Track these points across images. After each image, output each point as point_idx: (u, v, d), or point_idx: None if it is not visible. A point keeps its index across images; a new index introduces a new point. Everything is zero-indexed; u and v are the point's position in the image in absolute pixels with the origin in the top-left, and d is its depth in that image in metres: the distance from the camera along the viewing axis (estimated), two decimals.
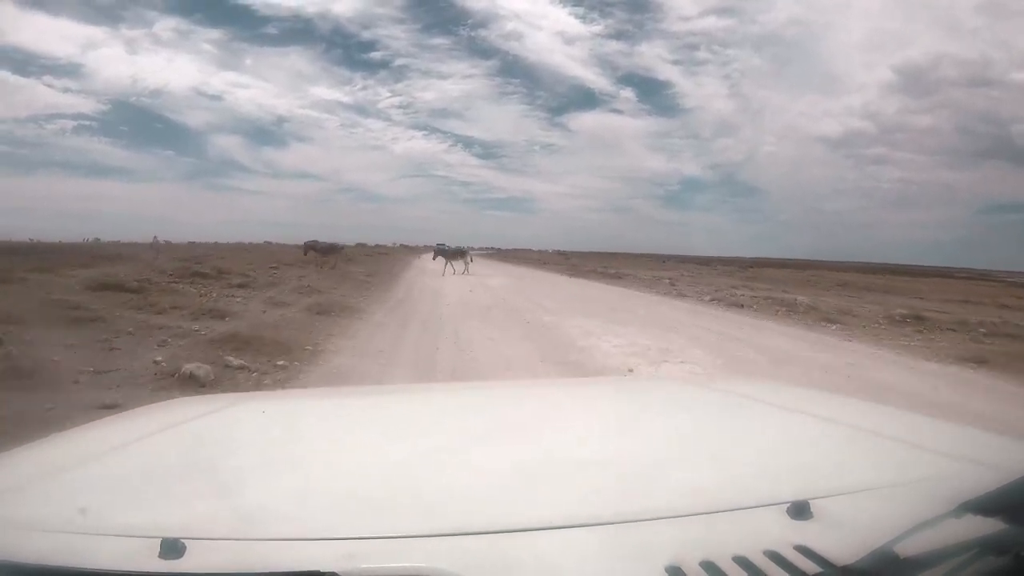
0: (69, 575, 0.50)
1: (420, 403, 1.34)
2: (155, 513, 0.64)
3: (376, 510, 0.65)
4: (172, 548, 0.52)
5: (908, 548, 0.49)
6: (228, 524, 0.61)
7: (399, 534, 0.57)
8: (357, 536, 0.56)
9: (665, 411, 1.17)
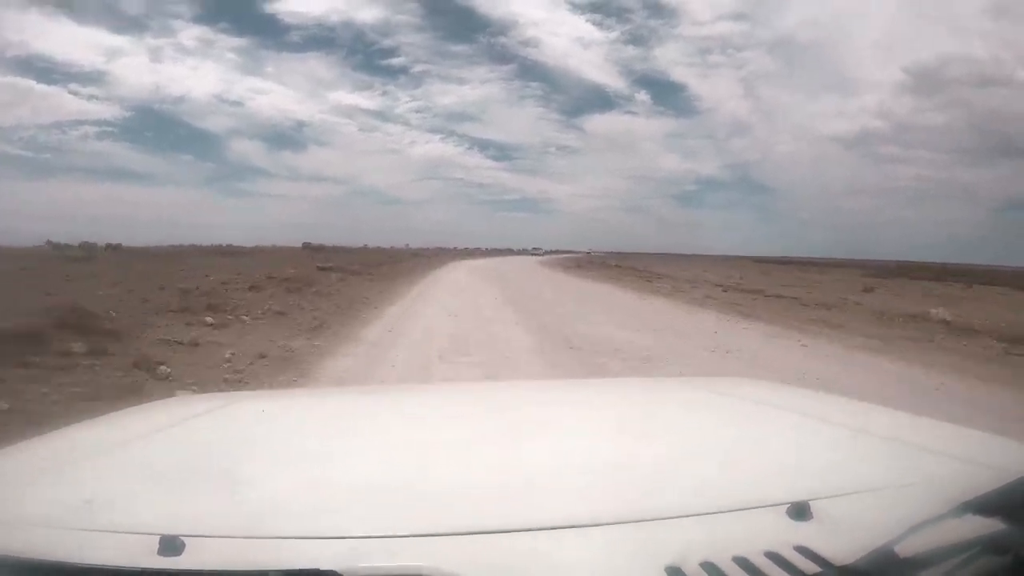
0: (67, 571, 0.50)
1: (420, 402, 1.34)
2: (154, 510, 0.64)
3: (377, 509, 0.65)
4: (171, 545, 0.52)
5: (908, 548, 0.49)
6: (227, 522, 0.61)
7: (400, 533, 0.57)
8: (357, 535, 0.56)
9: (665, 412, 1.17)
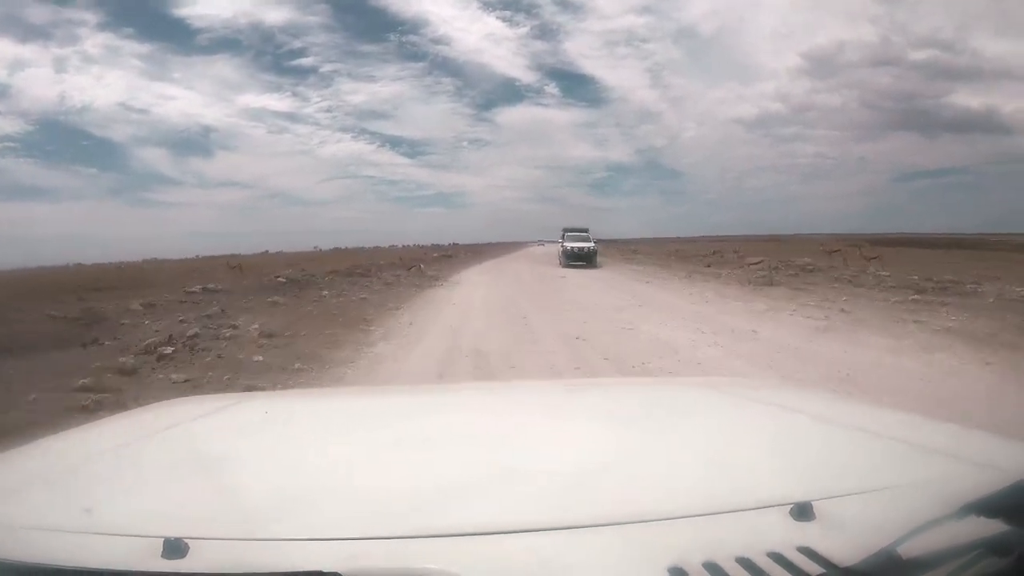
0: (71, 575, 0.50)
1: (423, 403, 1.34)
2: (157, 513, 0.64)
3: (379, 510, 0.65)
4: (175, 548, 0.52)
5: (911, 549, 0.49)
6: (230, 524, 0.61)
7: (402, 534, 0.57)
8: (360, 536, 0.56)
9: (667, 412, 1.17)
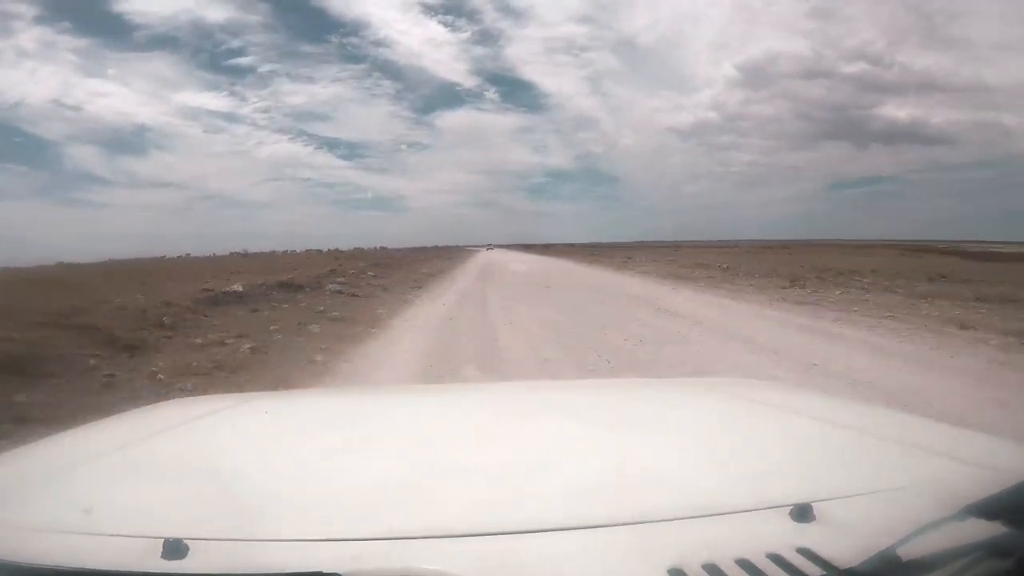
0: None
1: (423, 403, 1.34)
2: (157, 513, 0.64)
3: (379, 511, 0.65)
4: (175, 548, 0.52)
5: (911, 551, 0.49)
6: (230, 525, 0.61)
7: (402, 535, 0.57)
8: (360, 537, 0.56)
9: (667, 413, 1.17)
